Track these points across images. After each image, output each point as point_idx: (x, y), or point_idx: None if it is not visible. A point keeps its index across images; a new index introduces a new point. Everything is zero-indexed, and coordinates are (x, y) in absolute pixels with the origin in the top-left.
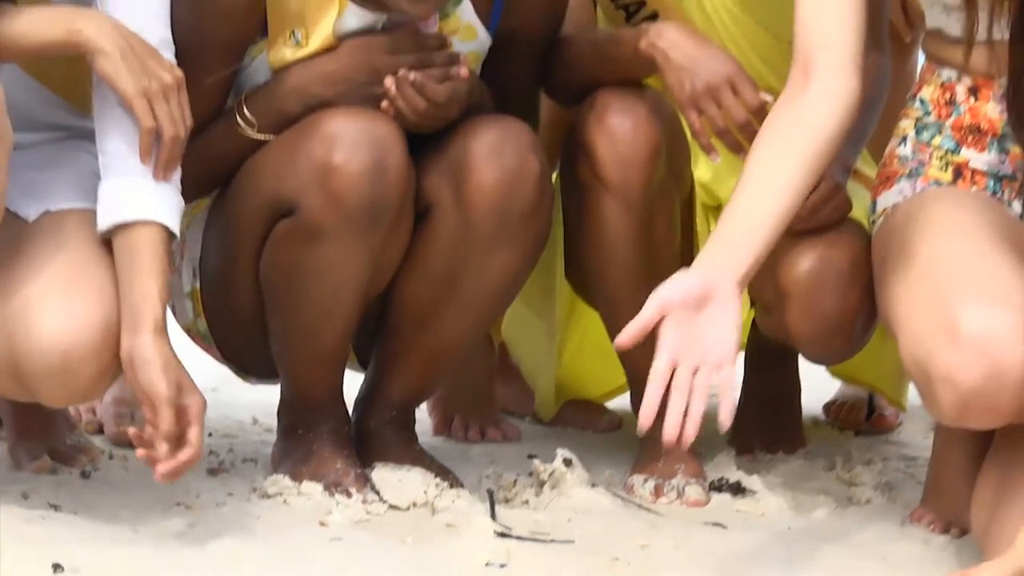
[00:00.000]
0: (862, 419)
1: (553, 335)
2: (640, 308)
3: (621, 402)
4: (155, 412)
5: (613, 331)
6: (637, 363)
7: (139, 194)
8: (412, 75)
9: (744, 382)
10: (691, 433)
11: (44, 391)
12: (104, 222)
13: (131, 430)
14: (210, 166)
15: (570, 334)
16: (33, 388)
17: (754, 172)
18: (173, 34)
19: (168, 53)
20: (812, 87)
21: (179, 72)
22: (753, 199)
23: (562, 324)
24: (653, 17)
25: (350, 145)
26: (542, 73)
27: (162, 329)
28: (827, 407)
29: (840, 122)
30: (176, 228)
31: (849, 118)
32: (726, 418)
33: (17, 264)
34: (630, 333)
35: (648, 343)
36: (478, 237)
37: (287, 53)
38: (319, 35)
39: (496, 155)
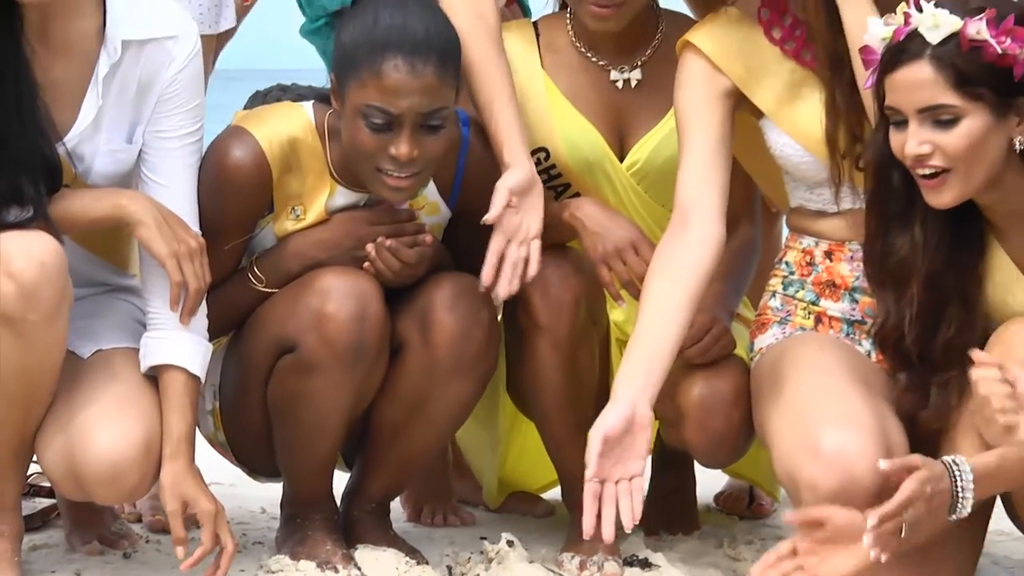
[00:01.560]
0: (744, 507)
1: (497, 444)
2: (566, 423)
3: (553, 493)
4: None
5: (547, 440)
6: (567, 465)
7: (173, 344)
8: (388, 242)
9: (652, 477)
10: (620, 526)
11: (98, 493)
12: (145, 364)
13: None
14: (228, 313)
15: (513, 440)
16: (89, 491)
17: (650, 305)
18: (200, 210)
19: (194, 225)
20: (689, 233)
21: (202, 240)
22: (653, 329)
23: (507, 432)
24: (577, 194)
25: (339, 298)
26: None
27: (175, 456)
28: (717, 496)
29: (712, 259)
30: (201, 373)
31: (718, 255)
32: (631, 519)
33: (75, 393)
34: (590, 467)
35: (573, 448)
36: (440, 371)
37: (288, 224)
38: (314, 211)
39: (454, 306)
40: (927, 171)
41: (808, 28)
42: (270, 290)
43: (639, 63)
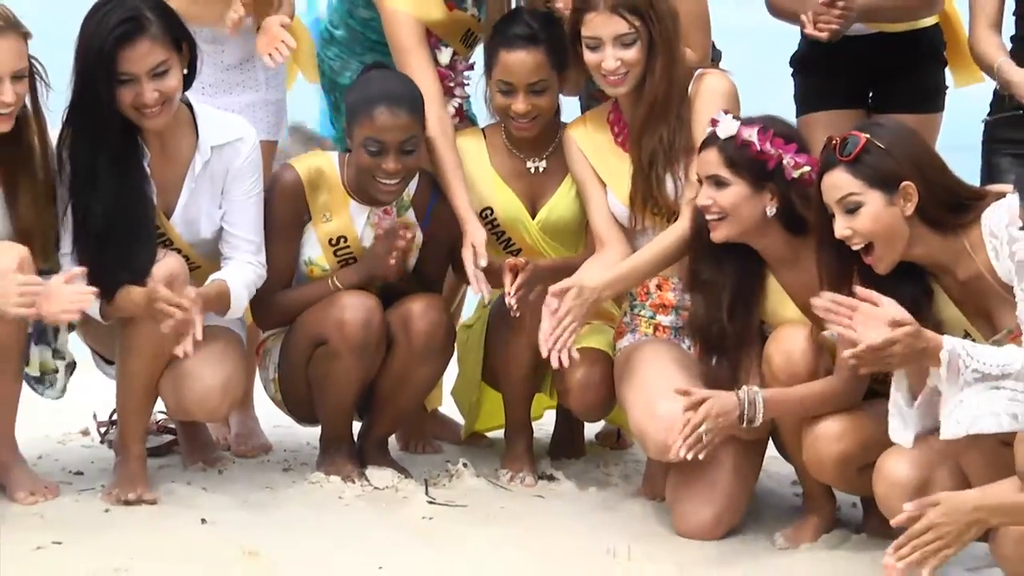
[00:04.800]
0: (614, 441)
1: (476, 401)
2: (524, 391)
3: (497, 434)
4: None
5: (507, 399)
6: (515, 415)
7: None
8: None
9: (555, 424)
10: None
11: (193, 413)
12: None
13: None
14: (309, 300)
15: (480, 401)
16: (188, 411)
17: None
18: (265, 221)
19: (261, 250)
20: (606, 252)
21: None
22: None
23: (479, 397)
24: (510, 240)
25: (353, 310)
26: (451, 260)
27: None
28: (596, 435)
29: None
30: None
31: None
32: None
33: None
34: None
35: (523, 406)
36: (416, 357)
37: (322, 224)
38: (338, 216)
39: (424, 315)
40: (711, 217)
41: (627, 126)
42: (340, 287)
43: (544, 156)
